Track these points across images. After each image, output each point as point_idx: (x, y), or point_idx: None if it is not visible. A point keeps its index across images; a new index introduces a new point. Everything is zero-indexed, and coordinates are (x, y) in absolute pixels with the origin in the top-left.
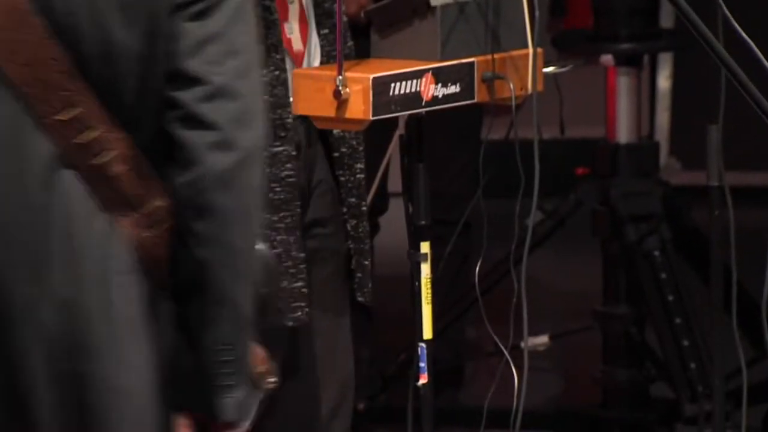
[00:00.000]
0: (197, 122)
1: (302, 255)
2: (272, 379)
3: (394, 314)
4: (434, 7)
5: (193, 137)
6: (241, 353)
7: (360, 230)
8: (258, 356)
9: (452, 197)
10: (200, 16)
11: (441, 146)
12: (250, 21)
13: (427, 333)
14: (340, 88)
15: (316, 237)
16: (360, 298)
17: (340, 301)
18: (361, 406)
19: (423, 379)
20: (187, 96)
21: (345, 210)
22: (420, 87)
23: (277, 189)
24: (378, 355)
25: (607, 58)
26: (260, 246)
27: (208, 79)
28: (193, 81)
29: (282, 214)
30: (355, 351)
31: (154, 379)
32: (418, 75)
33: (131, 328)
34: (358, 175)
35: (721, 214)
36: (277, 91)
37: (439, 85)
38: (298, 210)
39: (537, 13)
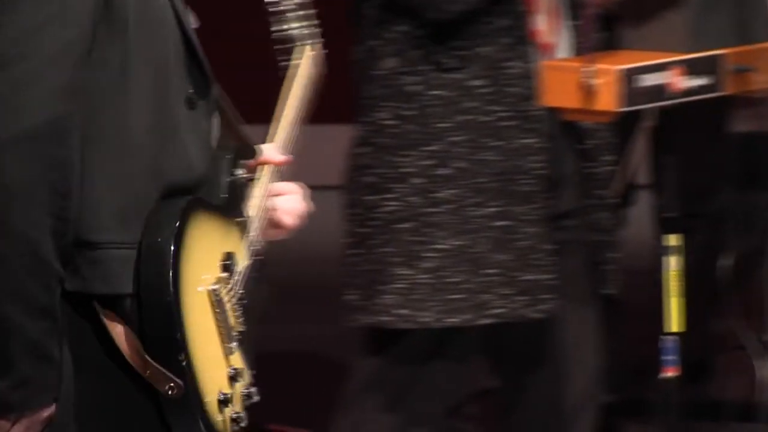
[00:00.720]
0: None
1: (551, 247)
2: (171, 384)
3: (642, 307)
4: None
5: None
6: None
7: (608, 222)
8: (139, 366)
9: (700, 189)
10: None
11: (689, 138)
12: (28, 11)
13: (675, 326)
14: (588, 79)
15: (564, 229)
16: (607, 290)
17: (587, 293)
18: (608, 398)
19: (669, 372)
20: None
21: (593, 202)
22: (668, 79)
23: (526, 181)
24: (625, 347)
25: None
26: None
27: None
28: None
29: (530, 206)
30: (602, 343)
31: None
32: (666, 67)
33: None
34: (606, 167)
35: None
36: (526, 83)
37: (688, 77)
38: (547, 202)
39: None
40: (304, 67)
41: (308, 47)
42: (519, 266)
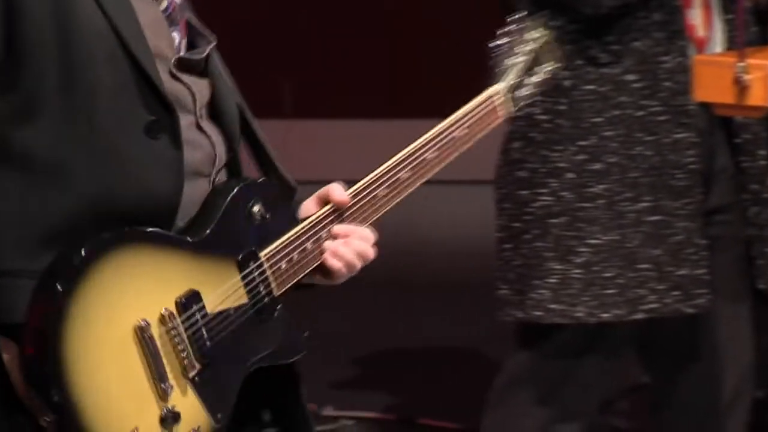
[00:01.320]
0: None
1: (704, 242)
2: (46, 418)
3: None
4: None
5: None
6: None
7: (762, 217)
8: (23, 395)
9: None
10: None
11: None
12: None
13: None
14: (741, 74)
15: (718, 224)
16: (761, 286)
17: (741, 289)
18: (759, 394)
19: None
20: None
21: (746, 197)
22: None
23: (680, 175)
24: None
25: None
26: None
27: None
28: None
29: (684, 201)
30: (755, 339)
31: None
32: None
33: None
34: (760, 162)
35: None
36: (680, 77)
37: None
38: (701, 196)
39: None
40: (474, 105)
41: (496, 91)
42: (672, 261)
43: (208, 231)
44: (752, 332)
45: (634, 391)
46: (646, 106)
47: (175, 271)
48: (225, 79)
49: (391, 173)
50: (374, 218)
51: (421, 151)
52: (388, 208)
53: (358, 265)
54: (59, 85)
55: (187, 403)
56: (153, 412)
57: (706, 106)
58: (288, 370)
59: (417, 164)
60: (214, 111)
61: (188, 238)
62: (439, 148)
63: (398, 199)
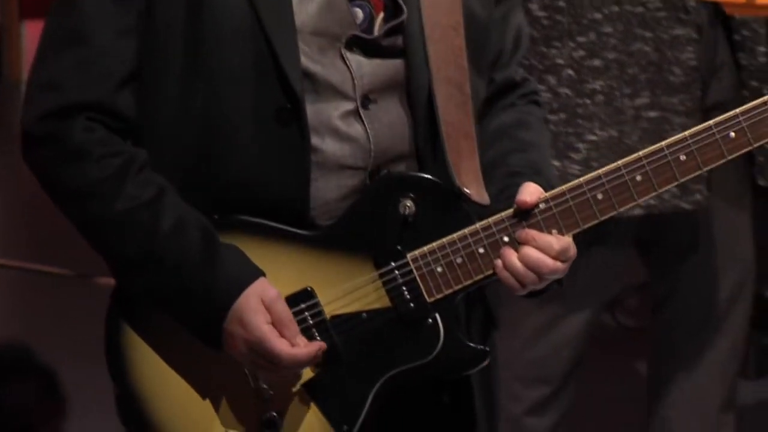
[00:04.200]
0: None
1: None
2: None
3: None
4: None
5: None
6: None
7: None
8: None
9: None
10: None
11: None
12: None
13: None
14: None
15: None
16: (761, 183)
17: (740, 185)
18: (762, 290)
19: None
20: None
21: (745, 93)
22: None
23: (678, 72)
24: None
25: None
26: None
27: None
28: None
29: (682, 97)
30: (760, 236)
31: None
32: None
33: None
34: (759, 59)
35: None
36: None
37: None
38: (699, 93)
39: None
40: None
41: None
42: None
43: (330, 225)
44: (752, 228)
45: (639, 290)
46: (645, 3)
47: (283, 266)
48: (424, 57)
49: (612, 177)
50: (576, 229)
51: (662, 153)
52: (601, 218)
53: (528, 278)
54: (182, 64)
55: (297, 412)
56: (250, 419)
57: (707, 4)
58: (464, 386)
59: (658, 166)
60: (408, 93)
61: (302, 231)
62: (690, 151)
63: (614, 212)
